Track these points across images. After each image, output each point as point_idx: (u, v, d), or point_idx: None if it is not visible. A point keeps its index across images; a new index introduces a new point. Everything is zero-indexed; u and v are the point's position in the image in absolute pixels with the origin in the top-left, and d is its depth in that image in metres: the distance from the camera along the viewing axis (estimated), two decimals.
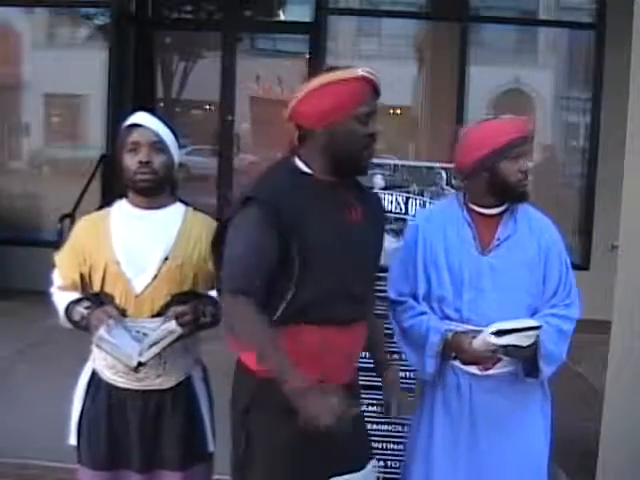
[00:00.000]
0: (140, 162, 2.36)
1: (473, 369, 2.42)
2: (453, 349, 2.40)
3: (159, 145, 2.40)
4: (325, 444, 1.99)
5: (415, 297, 2.50)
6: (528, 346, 2.33)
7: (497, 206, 2.46)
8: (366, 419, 2.44)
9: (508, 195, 2.44)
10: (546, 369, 2.43)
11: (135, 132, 2.39)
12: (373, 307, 2.42)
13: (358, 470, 2.18)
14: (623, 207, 3.37)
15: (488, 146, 2.40)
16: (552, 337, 2.41)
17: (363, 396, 2.50)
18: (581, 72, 7.93)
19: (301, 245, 2.01)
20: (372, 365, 2.41)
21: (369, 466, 2.23)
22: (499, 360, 2.39)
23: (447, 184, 3.27)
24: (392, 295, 2.54)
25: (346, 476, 2.13)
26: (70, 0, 7.97)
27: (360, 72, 2.07)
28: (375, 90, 2.10)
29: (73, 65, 7.72)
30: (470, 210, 2.48)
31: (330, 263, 2.06)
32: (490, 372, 2.42)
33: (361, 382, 2.41)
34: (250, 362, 2.09)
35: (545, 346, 2.38)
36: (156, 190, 2.41)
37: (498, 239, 2.44)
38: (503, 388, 2.44)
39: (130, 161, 2.38)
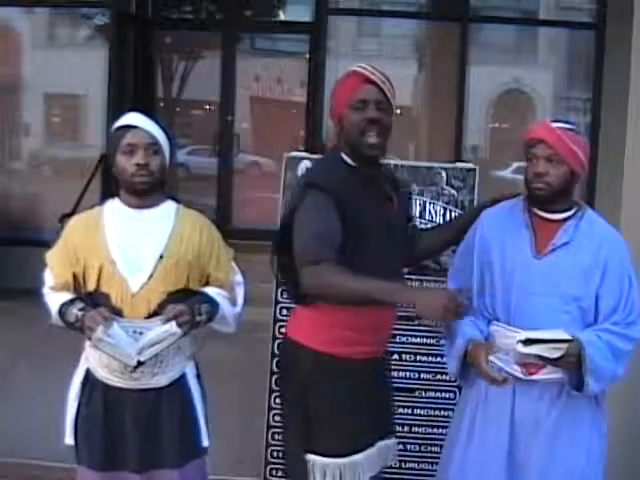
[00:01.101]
0: (137, 164, 2.36)
1: (517, 372, 2.33)
2: (471, 359, 2.33)
3: (155, 147, 2.40)
4: (376, 411, 2.36)
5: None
6: (557, 358, 2.22)
7: (558, 212, 2.41)
8: None
9: (529, 195, 2.43)
10: (593, 384, 2.27)
11: (130, 133, 2.38)
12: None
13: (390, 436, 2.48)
14: (623, 207, 3.37)
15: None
16: (602, 352, 2.27)
17: None
18: (581, 72, 7.93)
19: (350, 228, 2.23)
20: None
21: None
22: (543, 366, 2.29)
23: (447, 184, 3.27)
24: (451, 287, 2.51)
25: (387, 440, 2.43)
26: (70, 0, 7.97)
27: (353, 68, 2.34)
28: (368, 80, 2.30)
29: (73, 65, 7.72)
30: (532, 214, 2.44)
31: (372, 246, 2.27)
32: (534, 377, 2.32)
33: None
34: (305, 339, 2.33)
35: (593, 360, 2.24)
36: (151, 191, 2.42)
37: (553, 244, 2.38)
38: (548, 396, 2.34)
39: (126, 163, 2.37)
